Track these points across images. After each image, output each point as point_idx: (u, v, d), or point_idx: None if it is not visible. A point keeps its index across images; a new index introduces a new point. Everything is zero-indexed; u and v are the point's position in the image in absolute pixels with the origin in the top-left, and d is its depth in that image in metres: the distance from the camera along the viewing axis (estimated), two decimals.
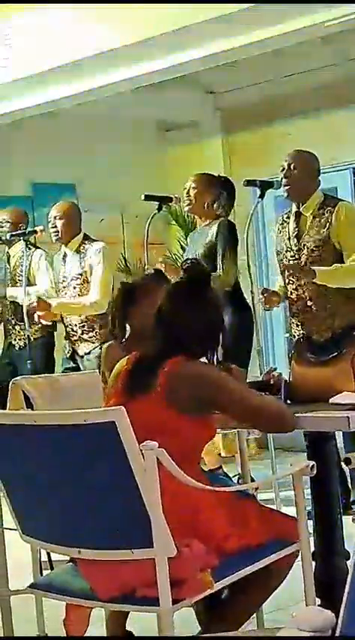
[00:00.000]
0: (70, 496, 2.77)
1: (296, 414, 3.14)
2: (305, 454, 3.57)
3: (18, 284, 6.44)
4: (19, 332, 6.60)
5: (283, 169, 5.02)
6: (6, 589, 3.03)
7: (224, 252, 5.77)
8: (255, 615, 3.38)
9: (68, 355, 6.33)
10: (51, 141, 8.05)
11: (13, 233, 6.47)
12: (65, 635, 2.92)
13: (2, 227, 6.68)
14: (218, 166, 8.05)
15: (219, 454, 6.33)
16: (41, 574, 3.40)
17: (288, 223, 5.10)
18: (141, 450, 2.55)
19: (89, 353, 6.19)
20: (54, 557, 3.99)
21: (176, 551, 2.61)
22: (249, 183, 5.53)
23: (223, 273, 5.78)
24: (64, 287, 6.24)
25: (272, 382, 3.51)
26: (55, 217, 6.20)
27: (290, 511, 3.18)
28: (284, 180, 5.02)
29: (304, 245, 4.97)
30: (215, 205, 5.96)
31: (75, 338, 6.25)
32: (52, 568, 3.94)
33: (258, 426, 3.20)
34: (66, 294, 6.23)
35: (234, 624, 3.06)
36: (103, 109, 7.81)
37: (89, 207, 7.82)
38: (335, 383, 3.30)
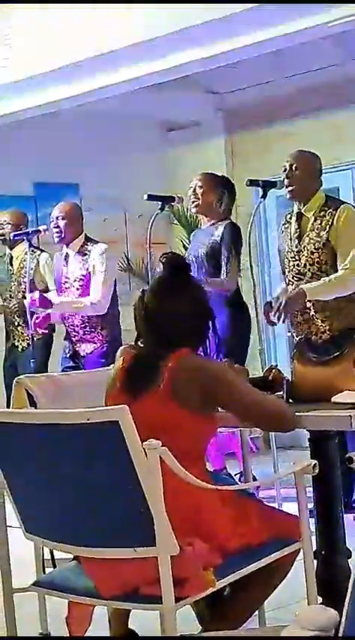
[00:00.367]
0: (73, 494, 2.78)
1: (298, 413, 3.15)
2: (304, 452, 3.57)
3: (22, 285, 6.45)
4: (21, 333, 6.61)
5: (285, 169, 5.02)
6: (9, 587, 3.04)
7: (228, 257, 5.78)
8: (256, 614, 3.39)
9: (68, 355, 6.34)
10: (54, 141, 8.06)
11: (17, 233, 6.48)
12: (68, 633, 2.93)
13: (3, 228, 6.69)
14: (220, 166, 8.07)
15: (223, 454, 6.35)
16: (44, 572, 3.40)
17: (291, 224, 5.10)
18: (144, 449, 2.56)
19: (91, 353, 6.21)
20: (57, 555, 3.99)
21: (179, 549, 2.62)
22: (252, 183, 5.53)
23: (227, 278, 5.80)
24: (67, 288, 6.25)
25: (271, 378, 3.53)
26: (57, 217, 6.21)
27: (292, 509, 3.19)
28: (286, 180, 5.01)
29: (304, 247, 4.97)
30: (219, 204, 5.98)
31: (76, 338, 6.26)
32: (54, 566, 3.94)
33: (258, 423, 3.20)
34: (68, 295, 6.24)
35: (235, 622, 3.07)
36: (106, 109, 7.82)
37: (92, 206, 7.84)
38: (337, 382, 3.30)
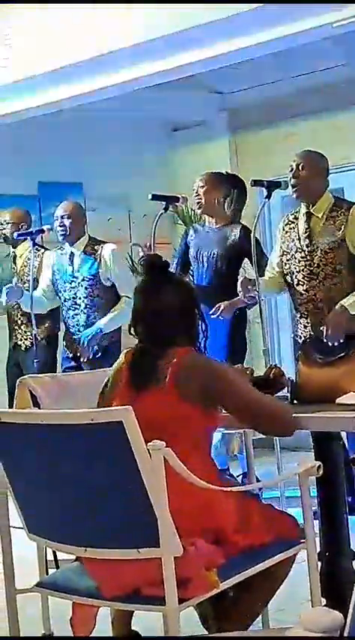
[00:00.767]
0: (76, 495, 2.77)
1: (303, 415, 3.14)
2: (308, 453, 3.57)
3: (25, 284, 6.45)
4: (24, 332, 6.61)
5: (291, 169, 5.00)
6: (12, 587, 3.03)
7: (261, 265, 5.64)
8: (260, 616, 3.38)
9: (71, 355, 6.34)
10: (58, 140, 8.05)
11: (21, 233, 6.48)
12: (72, 634, 2.92)
13: (4, 228, 6.69)
14: (224, 166, 8.03)
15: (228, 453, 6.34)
16: (47, 573, 3.40)
17: (297, 224, 5.08)
18: (148, 450, 2.56)
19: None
20: (60, 556, 3.98)
21: (182, 550, 2.61)
22: (256, 183, 5.52)
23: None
24: (73, 287, 6.24)
25: (272, 377, 3.54)
26: (62, 216, 6.22)
27: (296, 511, 3.18)
28: (292, 180, 5.00)
29: (317, 247, 4.95)
30: (226, 204, 5.96)
31: (78, 337, 6.26)
32: (57, 567, 3.94)
33: (258, 425, 3.18)
34: (75, 294, 6.24)
35: (239, 624, 3.06)
36: (110, 109, 7.81)
37: (96, 206, 7.84)
38: (341, 383, 3.30)
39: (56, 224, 6.25)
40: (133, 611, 3.21)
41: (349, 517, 3.62)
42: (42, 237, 6.56)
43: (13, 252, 6.76)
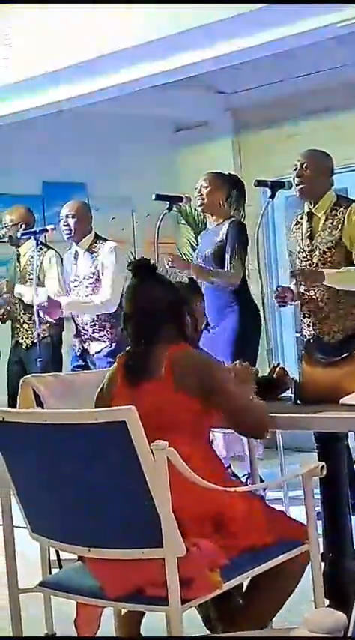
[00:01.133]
0: (79, 495, 2.77)
1: (306, 415, 3.14)
2: (311, 454, 3.57)
3: (28, 282, 6.46)
4: (26, 331, 6.61)
5: (295, 168, 5.00)
6: (15, 587, 3.03)
7: (232, 252, 5.78)
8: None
9: (78, 354, 6.34)
10: (62, 140, 8.06)
11: (24, 232, 6.49)
12: (75, 635, 2.92)
13: (8, 228, 6.70)
14: (228, 166, 8.04)
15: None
16: (50, 572, 3.40)
17: (302, 224, 5.08)
18: (151, 450, 2.56)
19: (100, 352, 6.22)
20: (63, 555, 3.99)
21: (185, 550, 2.61)
22: (260, 183, 5.52)
23: (232, 272, 5.79)
24: (76, 286, 6.26)
25: (275, 377, 3.54)
26: (67, 216, 6.23)
27: (299, 511, 3.18)
28: (296, 179, 4.99)
29: (316, 246, 4.95)
30: (226, 204, 5.97)
31: (86, 337, 6.28)
32: (60, 566, 3.95)
33: (238, 428, 3.20)
34: (78, 293, 6.25)
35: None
36: (114, 109, 7.81)
37: (100, 206, 7.83)
38: (345, 384, 3.30)
39: (61, 223, 6.26)
40: (144, 613, 3.22)
41: (352, 517, 3.62)
42: (46, 237, 6.57)
43: (17, 251, 6.76)
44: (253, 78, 8.07)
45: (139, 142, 8.58)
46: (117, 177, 8.40)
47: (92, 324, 6.22)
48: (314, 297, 4.97)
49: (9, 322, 6.81)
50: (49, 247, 6.65)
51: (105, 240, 6.30)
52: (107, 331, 6.19)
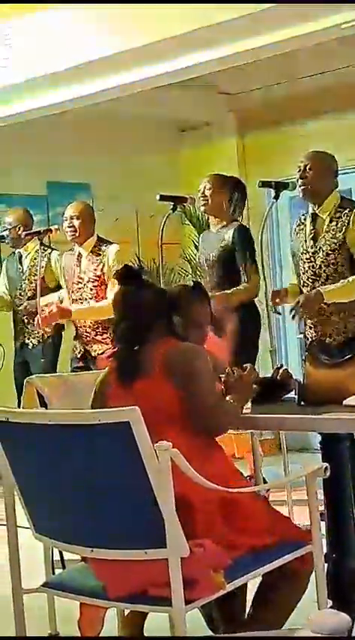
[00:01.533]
0: (82, 495, 2.77)
1: (310, 416, 3.14)
2: (315, 454, 3.56)
3: (32, 284, 6.46)
4: (32, 331, 6.62)
5: (299, 169, 4.99)
6: (19, 587, 3.03)
7: (246, 262, 5.72)
8: None
9: (79, 356, 6.34)
10: (66, 140, 8.06)
11: (28, 232, 6.50)
12: (78, 635, 2.92)
13: (9, 231, 6.71)
14: (232, 167, 8.05)
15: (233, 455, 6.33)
16: (53, 573, 3.40)
17: (305, 225, 5.07)
18: (155, 450, 2.56)
19: (102, 353, 6.20)
20: (66, 556, 3.99)
21: (189, 551, 2.61)
22: (264, 184, 5.51)
23: (249, 284, 5.77)
24: (79, 288, 6.25)
25: (278, 378, 3.54)
26: (72, 217, 6.21)
27: (303, 512, 3.18)
28: (300, 180, 4.98)
29: (320, 248, 4.94)
30: (229, 205, 5.97)
31: (88, 339, 6.26)
32: (64, 567, 3.95)
33: (199, 423, 3.18)
34: (81, 295, 6.24)
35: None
36: (118, 110, 7.82)
37: (104, 206, 7.84)
38: (348, 385, 3.30)
39: (65, 224, 6.24)
40: (147, 614, 3.22)
41: None
42: (49, 237, 6.57)
43: (19, 252, 6.77)
44: (257, 79, 8.07)
45: (144, 142, 8.59)
46: (121, 178, 8.40)
47: (95, 326, 6.21)
48: None
49: (11, 324, 6.82)
50: (52, 249, 6.66)
51: (110, 242, 6.30)
52: (109, 333, 6.19)
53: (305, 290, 5.02)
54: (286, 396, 3.60)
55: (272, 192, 5.51)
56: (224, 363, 3.66)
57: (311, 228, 4.99)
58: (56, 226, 6.38)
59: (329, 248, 4.90)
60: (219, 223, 6.00)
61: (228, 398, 3.24)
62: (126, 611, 3.29)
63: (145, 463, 2.56)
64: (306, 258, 4.99)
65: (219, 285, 5.89)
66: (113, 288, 6.09)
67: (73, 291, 6.30)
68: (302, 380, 3.52)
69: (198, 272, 6.18)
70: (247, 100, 8.61)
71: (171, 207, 5.86)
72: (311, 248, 4.96)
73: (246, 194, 6.08)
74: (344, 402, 3.21)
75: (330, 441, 3.53)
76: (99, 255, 6.20)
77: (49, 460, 2.81)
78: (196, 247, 7.69)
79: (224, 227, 5.94)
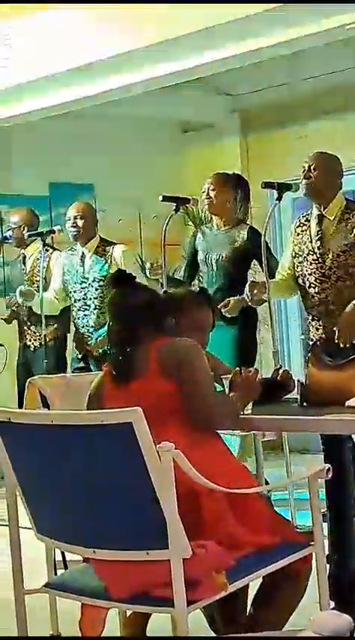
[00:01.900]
0: (85, 496, 2.77)
1: (312, 417, 3.13)
2: (316, 455, 3.56)
3: (35, 284, 6.46)
4: (34, 333, 6.63)
5: (304, 170, 4.98)
6: (21, 588, 3.03)
7: (271, 266, 5.60)
8: None
9: (80, 356, 6.34)
10: (68, 141, 8.07)
11: (31, 233, 6.51)
12: (80, 636, 2.92)
13: (13, 231, 6.71)
14: (235, 168, 8.03)
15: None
16: (55, 573, 3.40)
17: (309, 226, 5.05)
18: (157, 451, 2.56)
19: (102, 353, 6.21)
20: (68, 556, 3.99)
21: (191, 552, 2.61)
22: (267, 185, 5.50)
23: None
24: (84, 288, 6.25)
25: (279, 379, 3.54)
26: (75, 217, 6.22)
27: (305, 513, 3.18)
28: (304, 181, 4.97)
29: (329, 249, 4.92)
30: (235, 205, 5.96)
31: (90, 340, 6.27)
32: (66, 567, 3.95)
33: (201, 414, 3.18)
34: (85, 295, 6.24)
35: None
36: (121, 110, 7.83)
37: (106, 207, 7.85)
38: (351, 386, 3.29)
39: (68, 224, 6.25)
40: (149, 615, 3.22)
41: None
42: (52, 238, 6.57)
43: (23, 253, 6.77)
44: (260, 79, 8.07)
45: (146, 143, 8.59)
46: (124, 179, 8.40)
47: (98, 327, 6.21)
48: (326, 300, 4.94)
49: (15, 325, 6.82)
50: (54, 249, 6.66)
51: (113, 243, 6.31)
52: None
53: (310, 291, 4.99)
54: (287, 396, 3.60)
55: (275, 193, 5.50)
56: (224, 365, 3.67)
57: (318, 229, 4.97)
58: (59, 227, 6.39)
59: (339, 250, 4.88)
60: (225, 223, 6.00)
61: (231, 395, 3.24)
62: (129, 612, 3.29)
63: (147, 464, 2.56)
64: (313, 260, 4.96)
65: (224, 283, 5.90)
66: None
67: (75, 291, 6.30)
68: (304, 381, 3.51)
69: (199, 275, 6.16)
70: (250, 101, 8.62)
71: (174, 208, 5.86)
72: (319, 249, 4.94)
73: (249, 190, 6.08)
74: (347, 404, 3.21)
75: (332, 443, 3.53)
76: (104, 255, 6.21)
77: (51, 461, 2.81)
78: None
79: (233, 227, 5.94)
